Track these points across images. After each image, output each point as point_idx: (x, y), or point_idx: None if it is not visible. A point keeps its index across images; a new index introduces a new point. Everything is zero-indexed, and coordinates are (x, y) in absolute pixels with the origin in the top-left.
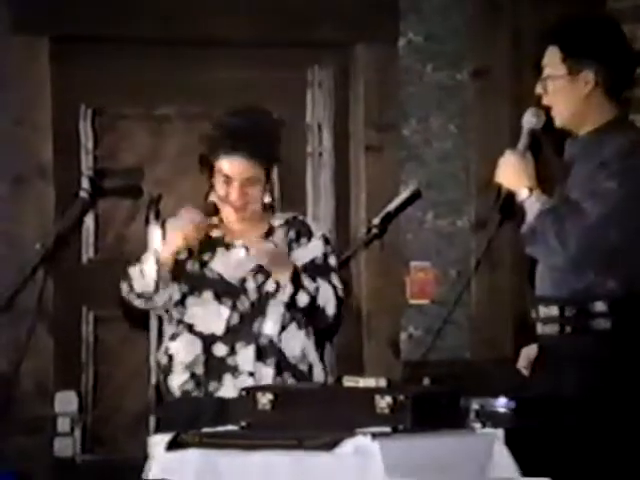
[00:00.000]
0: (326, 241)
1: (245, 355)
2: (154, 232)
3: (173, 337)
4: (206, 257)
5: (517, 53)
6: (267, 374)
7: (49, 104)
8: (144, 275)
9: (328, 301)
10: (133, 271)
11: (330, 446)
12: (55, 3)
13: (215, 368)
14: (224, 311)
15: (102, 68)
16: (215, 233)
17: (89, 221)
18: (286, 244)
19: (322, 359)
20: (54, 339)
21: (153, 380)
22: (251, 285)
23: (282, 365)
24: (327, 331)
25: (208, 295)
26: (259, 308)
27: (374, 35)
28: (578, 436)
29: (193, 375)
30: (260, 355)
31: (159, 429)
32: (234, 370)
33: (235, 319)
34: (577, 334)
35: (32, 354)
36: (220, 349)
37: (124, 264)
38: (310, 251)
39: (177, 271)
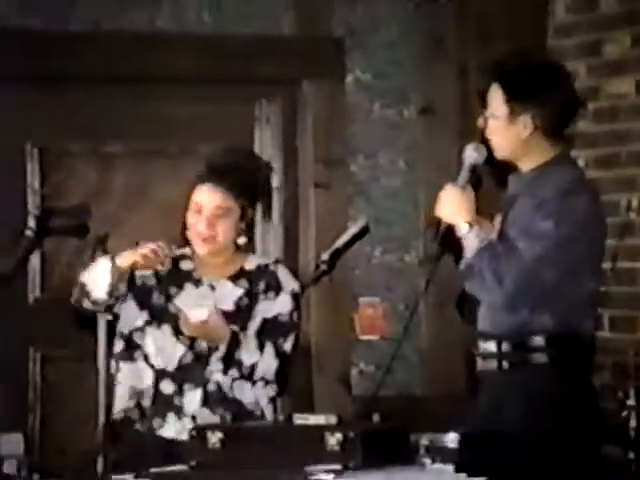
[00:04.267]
0: (295, 297)
1: (191, 398)
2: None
3: (130, 358)
4: (172, 291)
5: (463, 89)
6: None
7: None
8: (97, 280)
9: (267, 371)
10: (86, 277)
11: None
12: None
13: (161, 405)
14: (179, 348)
15: (48, 106)
16: (185, 265)
17: (35, 260)
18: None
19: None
20: (0, 380)
21: (102, 419)
22: None
23: (238, 414)
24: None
25: (167, 329)
26: (217, 354)
27: (321, 71)
28: (522, 470)
29: (138, 405)
30: (207, 401)
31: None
32: (178, 411)
33: (188, 358)
34: (515, 369)
35: None
36: (167, 386)
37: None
38: (277, 306)
39: (143, 297)
